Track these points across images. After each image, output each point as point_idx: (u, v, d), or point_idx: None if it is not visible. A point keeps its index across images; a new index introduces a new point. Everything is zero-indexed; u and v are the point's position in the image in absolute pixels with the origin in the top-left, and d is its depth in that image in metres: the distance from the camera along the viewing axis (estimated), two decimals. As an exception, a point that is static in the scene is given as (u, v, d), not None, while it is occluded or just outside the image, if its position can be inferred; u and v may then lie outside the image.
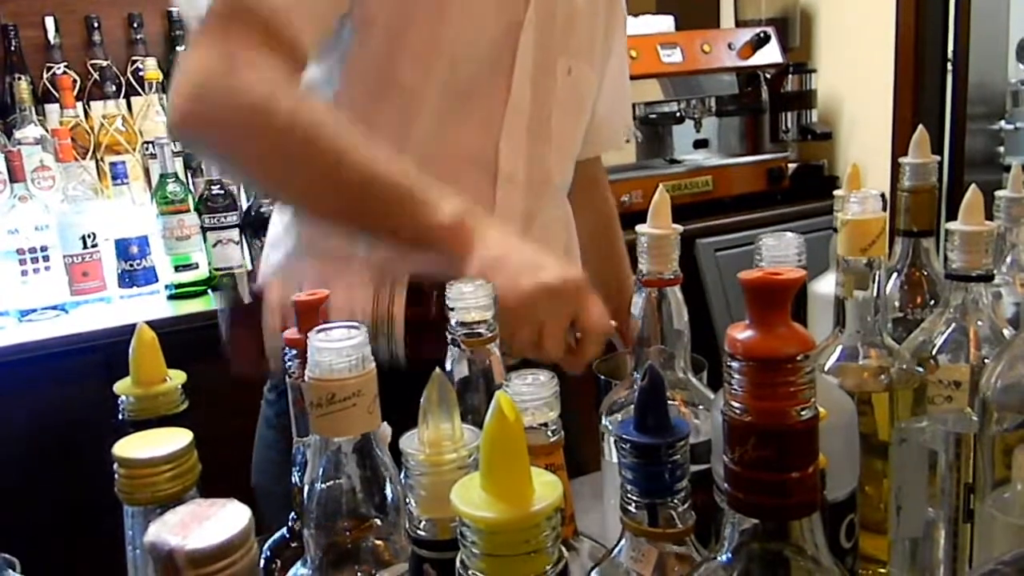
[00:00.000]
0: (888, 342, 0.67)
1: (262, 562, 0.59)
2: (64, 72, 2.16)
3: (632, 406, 0.45)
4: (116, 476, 0.46)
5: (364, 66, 1.00)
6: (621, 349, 0.99)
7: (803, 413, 0.36)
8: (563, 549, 0.36)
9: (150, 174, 2.11)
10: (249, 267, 2.01)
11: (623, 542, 0.47)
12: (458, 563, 0.36)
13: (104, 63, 2.19)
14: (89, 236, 1.88)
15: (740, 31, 2.60)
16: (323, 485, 0.49)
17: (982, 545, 0.61)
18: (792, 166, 2.66)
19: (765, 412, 0.36)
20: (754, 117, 2.73)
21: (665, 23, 2.64)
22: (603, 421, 0.71)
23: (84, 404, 1.13)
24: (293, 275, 1.07)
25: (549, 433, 0.51)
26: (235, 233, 1.99)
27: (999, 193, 0.79)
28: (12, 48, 2.14)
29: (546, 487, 0.35)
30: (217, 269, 1.98)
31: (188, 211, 1.94)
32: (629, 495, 0.45)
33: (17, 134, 1.99)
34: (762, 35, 2.52)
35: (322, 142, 0.86)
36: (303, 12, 0.90)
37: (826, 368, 0.66)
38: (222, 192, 1.98)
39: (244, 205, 2.03)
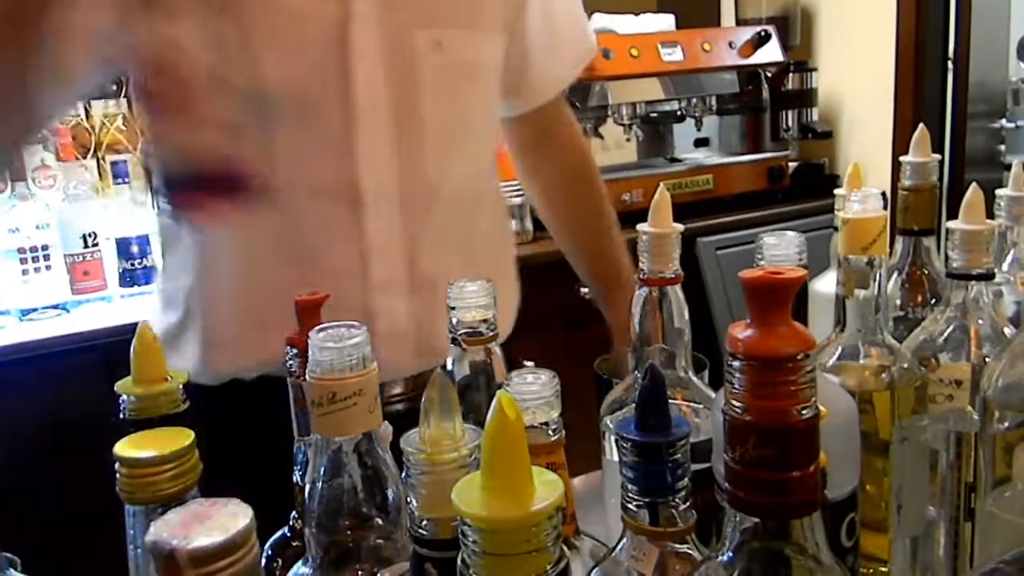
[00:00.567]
0: (889, 341, 0.67)
1: (263, 561, 0.59)
2: (65, 71, 2.16)
3: (633, 405, 0.45)
4: (117, 475, 0.46)
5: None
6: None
7: (804, 412, 0.36)
8: (564, 548, 0.36)
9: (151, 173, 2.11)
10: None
11: (624, 541, 0.47)
12: (459, 562, 0.36)
13: (105, 62, 2.19)
14: (90, 235, 1.88)
15: (741, 30, 2.59)
16: (324, 484, 0.49)
17: (983, 544, 0.61)
18: (793, 165, 2.66)
19: (766, 411, 0.36)
20: (755, 116, 2.73)
21: (666, 22, 2.64)
22: (603, 420, 0.71)
23: (85, 403, 1.13)
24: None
25: (550, 432, 0.51)
26: (236, 232, 1.98)
27: (1000, 192, 0.79)
28: (13, 47, 2.14)
29: (547, 486, 0.35)
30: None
31: (189, 210, 1.94)
32: (630, 494, 0.45)
33: (18, 133, 1.99)
34: (763, 34, 2.52)
35: None
36: None
37: (827, 367, 0.66)
38: (223, 191, 1.98)
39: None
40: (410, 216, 0.94)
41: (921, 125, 0.82)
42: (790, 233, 0.63)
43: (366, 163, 0.90)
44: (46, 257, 1.85)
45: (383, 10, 0.89)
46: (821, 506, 0.38)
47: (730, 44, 2.51)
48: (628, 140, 2.54)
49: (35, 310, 1.82)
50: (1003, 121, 2.63)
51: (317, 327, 0.48)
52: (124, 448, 0.46)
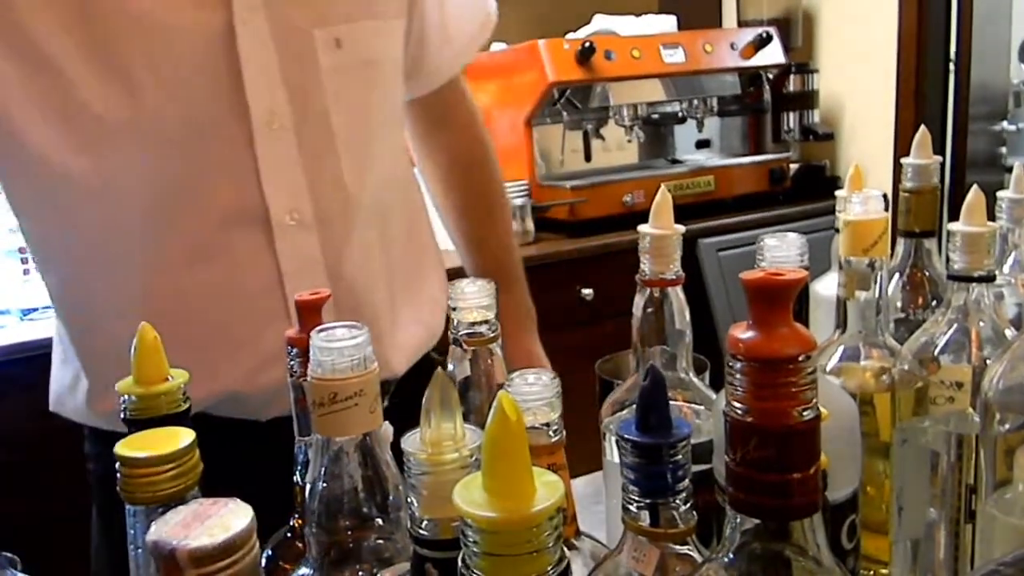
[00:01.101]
0: (890, 343, 0.67)
1: (264, 561, 0.59)
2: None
3: (634, 406, 0.45)
4: (118, 475, 0.46)
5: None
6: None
7: (805, 414, 0.36)
8: (565, 549, 0.36)
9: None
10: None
11: (624, 542, 0.47)
12: (460, 563, 0.36)
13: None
14: (91, 235, 1.88)
15: (742, 31, 2.60)
16: (325, 484, 0.49)
17: (983, 546, 0.61)
18: (794, 166, 2.66)
19: (767, 412, 0.36)
20: (756, 117, 2.73)
21: (667, 23, 2.64)
22: (604, 421, 0.71)
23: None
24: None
25: (551, 433, 0.51)
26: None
27: (1001, 194, 0.79)
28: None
29: (548, 487, 0.35)
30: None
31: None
32: (631, 495, 0.45)
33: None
34: (764, 35, 2.52)
35: None
36: None
37: (828, 368, 0.66)
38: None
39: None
40: (329, 234, 0.88)
41: (922, 127, 0.82)
42: (791, 235, 0.63)
43: (271, 183, 0.83)
44: (47, 257, 1.85)
45: (272, 12, 0.81)
46: (822, 508, 0.38)
47: (732, 45, 2.51)
48: (629, 141, 2.54)
49: (35, 310, 1.83)
50: (1004, 123, 2.63)
51: (318, 327, 0.48)
52: (125, 448, 0.46)
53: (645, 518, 0.45)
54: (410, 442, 0.43)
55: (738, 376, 0.36)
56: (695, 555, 0.46)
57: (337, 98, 0.87)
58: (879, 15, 2.58)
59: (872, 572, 0.66)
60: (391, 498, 0.50)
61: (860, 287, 0.65)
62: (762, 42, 2.51)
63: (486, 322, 0.62)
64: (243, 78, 0.80)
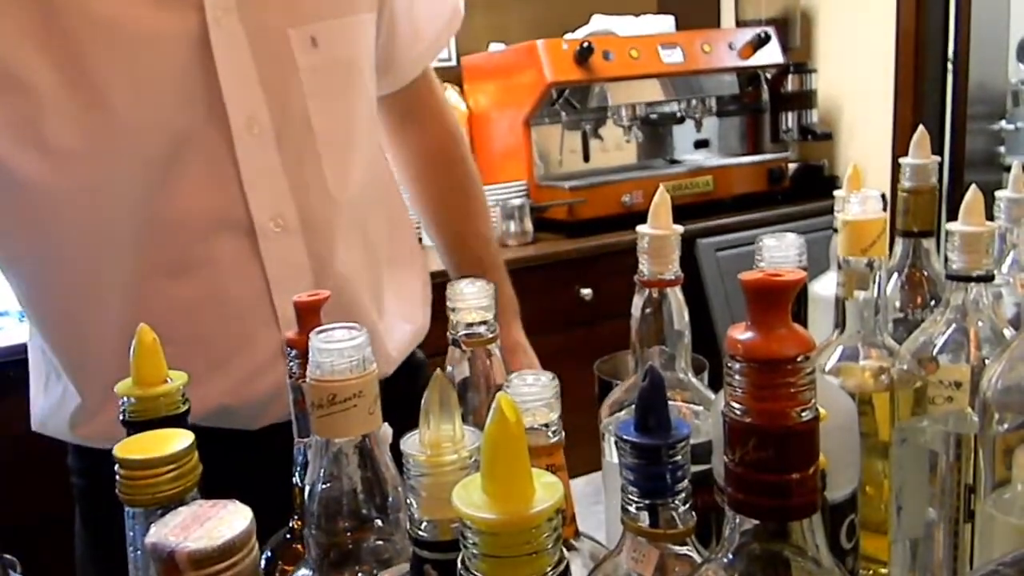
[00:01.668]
0: (888, 342, 0.67)
1: (263, 563, 0.59)
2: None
3: (633, 406, 0.45)
4: (117, 477, 0.46)
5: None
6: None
7: (803, 414, 0.36)
8: (564, 550, 0.36)
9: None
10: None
11: (624, 543, 0.47)
12: (459, 564, 0.36)
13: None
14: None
15: (741, 31, 2.60)
16: (324, 486, 0.49)
17: (982, 546, 0.61)
18: (792, 166, 2.66)
19: (765, 413, 0.36)
20: (754, 117, 2.74)
21: (665, 23, 2.64)
22: (603, 422, 0.71)
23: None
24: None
25: (550, 434, 0.51)
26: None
27: (999, 193, 0.79)
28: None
29: (547, 488, 0.35)
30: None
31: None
32: (630, 496, 0.45)
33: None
34: (763, 35, 2.52)
35: None
36: None
37: (826, 368, 0.66)
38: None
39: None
40: (314, 238, 0.87)
41: (921, 127, 0.82)
42: (790, 235, 0.63)
43: (254, 190, 0.82)
44: (46, 258, 1.84)
45: (246, 13, 0.79)
46: (821, 508, 0.38)
47: (730, 45, 2.51)
48: (628, 141, 2.54)
49: (35, 311, 1.82)
50: (1003, 123, 2.63)
51: (317, 328, 0.48)
52: (124, 450, 0.46)
53: (644, 519, 0.45)
54: (409, 444, 0.43)
55: (737, 377, 0.36)
56: (694, 556, 0.46)
57: (316, 99, 0.86)
58: (877, 15, 2.58)
59: (871, 572, 0.66)
60: (390, 499, 0.50)
61: (859, 287, 0.65)
62: (760, 42, 2.52)
63: (484, 323, 0.62)
64: (220, 83, 0.79)
